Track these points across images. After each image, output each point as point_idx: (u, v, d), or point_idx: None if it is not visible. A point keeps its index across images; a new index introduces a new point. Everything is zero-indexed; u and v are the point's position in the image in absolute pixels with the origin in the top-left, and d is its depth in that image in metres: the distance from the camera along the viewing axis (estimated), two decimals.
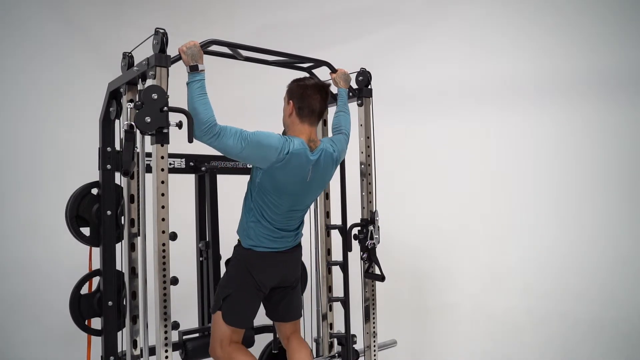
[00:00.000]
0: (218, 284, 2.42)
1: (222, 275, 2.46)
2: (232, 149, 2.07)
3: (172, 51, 2.04)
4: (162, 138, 1.96)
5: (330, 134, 2.61)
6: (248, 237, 2.29)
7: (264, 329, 2.92)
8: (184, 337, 2.59)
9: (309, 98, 2.24)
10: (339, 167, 2.74)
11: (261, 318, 2.86)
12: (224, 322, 2.28)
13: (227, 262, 2.45)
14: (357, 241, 2.71)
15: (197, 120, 2.02)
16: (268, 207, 2.24)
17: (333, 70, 2.63)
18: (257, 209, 2.26)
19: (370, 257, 2.65)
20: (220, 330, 2.30)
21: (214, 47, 2.37)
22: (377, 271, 2.65)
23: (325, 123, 2.87)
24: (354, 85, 2.77)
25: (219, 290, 2.35)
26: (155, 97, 1.91)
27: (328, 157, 2.31)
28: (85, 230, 2.35)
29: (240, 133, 2.08)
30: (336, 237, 2.81)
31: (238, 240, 2.36)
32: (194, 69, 2.07)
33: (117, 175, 2.33)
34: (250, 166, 2.32)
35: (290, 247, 2.37)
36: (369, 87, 2.77)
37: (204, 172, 2.73)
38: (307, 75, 2.42)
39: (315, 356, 2.82)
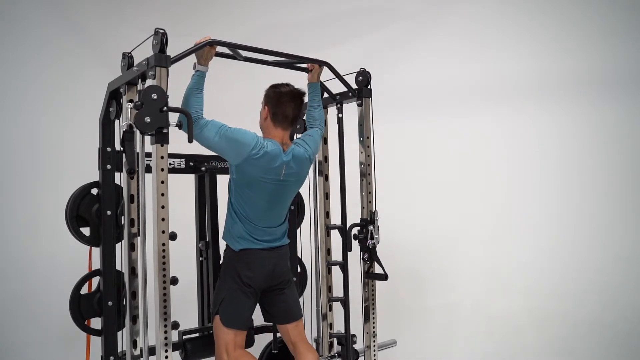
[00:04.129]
0: (214, 290, 2.48)
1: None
2: (209, 140, 2.19)
3: (171, 51, 2.04)
4: (162, 138, 1.96)
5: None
6: (232, 237, 2.37)
7: (264, 329, 2.92)
8: (184, 337, 2.59)
9: (284, 105, 2.35)
10: (338, 165, 2.75)
11: (261, 319, 2.86)
12: (224, 326, 2.31)
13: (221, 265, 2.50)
14: (356, 241, 2.71)
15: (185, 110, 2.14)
16: (247, 204, 2.32)
17: (331, 68, 2.63)
18: (238, 208, 2.34)
19: (371, 256, 2.65)
20: (222, 335, 2.32)
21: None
22: (380, 270, 2.65)
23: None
24: (354, 85, 2.77)
25: (215, 295, 2.43)
26: (155, 97, 1.91)
27: (300, 159, 2.39)
28: (85, 230, 2.35)
29: (220, 127, 2.20)
30: (336, 237, 2.81)
31: (226, 244, 2.42)
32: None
33: (117, 175, 2.34)
34: None
35: (275, 245, 2.41)
36: (369, 87, 2.76)
37: (204, 172, 2.73)
38: (286, 82, 2.48)
39: None
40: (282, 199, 2.40)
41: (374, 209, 2.71)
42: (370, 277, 2.70)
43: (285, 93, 2.36)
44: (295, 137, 2.45)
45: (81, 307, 2.31)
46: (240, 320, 2.34)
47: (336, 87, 2.76)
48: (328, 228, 2.85)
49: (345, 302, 2.72)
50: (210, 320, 2.72)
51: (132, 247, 2.22)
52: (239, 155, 2.22)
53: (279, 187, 2.34)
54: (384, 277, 2.63)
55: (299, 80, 2.78)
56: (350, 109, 2.80)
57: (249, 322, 2.42)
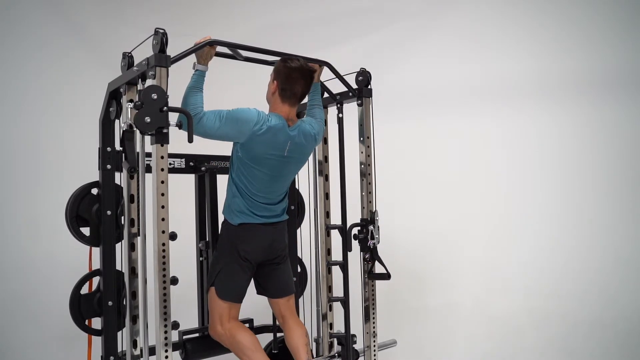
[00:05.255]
0: (210, 262, 2.51)
1: None
2: (211, 129, 2.17)
3: (171, 51, 2.04)
4: (162, 138, 1.96)
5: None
6: (231, 211, 2.36)
7: (263, 329, 2.92)
8: (184, 337, 2.59)
9: (293, 81, 2.32)
10: (338, 165, 2.75)
11: (261, 318, 2.86)
12: (219, 298, 2.34)
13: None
14: (357, 241, 2.71)
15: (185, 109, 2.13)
16: (248, 180, 2.31)
17: (331, 68, 2.63)
18: (239, 183, 2.33)
19: (372, 256, 2.65)
20: (217, 307, 2.35)
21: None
22: (381, 270, 2.65)
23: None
24: (354, 85, 2.77)
25: (211, 267, 2.45)
26: (155, 97, 1.91)
27: (306, 134, 2.39)
28: (85, 230, 2.35)
29: (218, 113, 2.18)
30: (336, 237, 2.81)
31: (224, 219, 2.41)
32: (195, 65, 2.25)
33: (117, 175, 2.34)
34: None
35: (273, 221, 2.41)
36: (369, 87, 2.76)
37: (204, 172, 2.73)
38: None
39: (315, 356, 2.82)
40: (283, 175, 2.39)
41: (374, 209, 2.71)
42: (373, 277, 2.69)
43: (296, 69, 2.33)
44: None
45: (81, 307, 2.31)
46: (235, 293, 2.36)
47: (336, 87, 2.76)
48: (328, 228, 2.85)
49: (345, 302, 2.72)
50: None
51: (132, 247, 2.22)
52: (242, 134, 2.22)
53: (282, 164, 2.34)
54: (386, 276, 2.63)
55: None
56: (351, 109, 2.80)
57: (244, 295, 2.42)
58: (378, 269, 2.68)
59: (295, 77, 2.32)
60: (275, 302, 2.54)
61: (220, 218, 2.76)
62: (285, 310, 2.52)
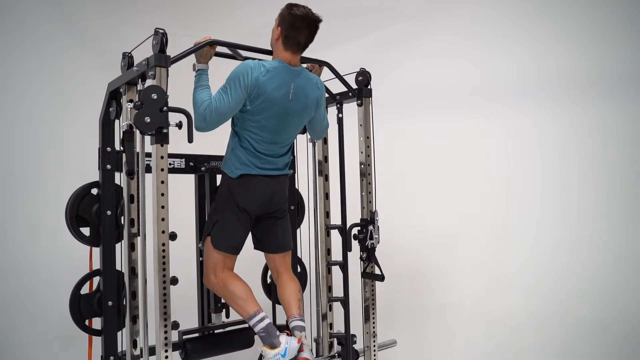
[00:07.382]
0: (208, 213, 2.49)
1: None
2: (223, 107, 2.17)
3: (171, 51, 2.04)
4: (161, 138, 1.96)
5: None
6: (231, 163, 2.33)
7: None
8: (184, 337, 2.58)
9: (297, 30, 2.27)
10: (337, 165, 2.74)
11: None
12: (214, 249, 2.32)
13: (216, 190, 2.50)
14: (356, 241, 2.71)
15: (195, 112, 2.15)
16: (251, 132, 2.28)
17: (331, 68, 2.63)
18: (243, 133, 2.30)
19: (369, 257, 2.65)
20: (212, 257, 2.34)
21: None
22: (377, 271, 2.65)
23: None
24: (354, 85, 2.77)
25: (208, 217, 2.43)
26: (155, 97, 1.91)
27: (310, 80, 2.37)
28: (85, 230, 2.35)
29: (219, 91, 2.19)
30: (336, 237, 2.81)
31: (224, 173, 2.38)
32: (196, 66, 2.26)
33: (117, 175, 2.34)
34: None
35: (274, 174, 2.38)
36: (369, 87, 2.76)
37: (204, 172, 2.73)
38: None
39: (315, 356, 2.82)
40: (286, 127, 2.33)
41: (374, 209, 2.71)
42: (367, 276, 2.69)
43: (301, 17, 2.26)
44: None
45: (81, 307, 2.31)
46: (231, 245, 2.34)
47: (336, 87, 2.76)
48: (328, 228, 2.85)
49: (345, 302, 2.72)
50: (210, 320, 2.72)
51: (132, 247, 2.22)
52: (249, 85, 2.19)
53: (286, 111, 2.28)
54: (380, 277, 2.64)
55: None
56: (350, 109, 2.80)
57: (241, 247, 2.39)
58: (374, 269, 2.68)
59: (300, 25, 2.26)
60: (271, 258, 2.53)
61: None
62: (280, 266, 2.52)
